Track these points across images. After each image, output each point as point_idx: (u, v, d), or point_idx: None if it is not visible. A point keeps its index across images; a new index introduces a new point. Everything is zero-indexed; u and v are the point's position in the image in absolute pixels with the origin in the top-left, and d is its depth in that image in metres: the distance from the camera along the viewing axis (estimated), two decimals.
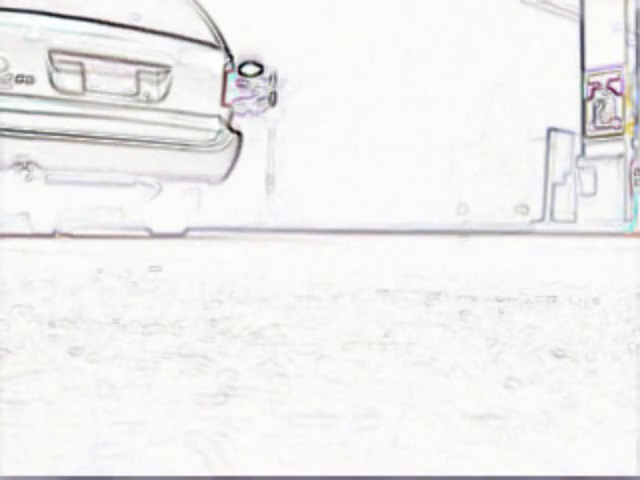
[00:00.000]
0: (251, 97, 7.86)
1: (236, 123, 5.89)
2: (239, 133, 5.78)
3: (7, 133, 4.59)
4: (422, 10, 7.70)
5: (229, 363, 0.94)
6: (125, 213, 5.58)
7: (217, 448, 0.59)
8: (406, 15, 7.78)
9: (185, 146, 5.37)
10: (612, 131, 10.23)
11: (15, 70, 4.64)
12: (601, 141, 10.31)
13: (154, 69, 5.25)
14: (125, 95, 5.11)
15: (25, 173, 4.69)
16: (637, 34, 10.44)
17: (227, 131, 5.66)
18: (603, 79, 10.32)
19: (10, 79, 4.62)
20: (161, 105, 5.28)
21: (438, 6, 7.92)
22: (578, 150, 10.63)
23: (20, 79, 4.65)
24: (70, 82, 4.88)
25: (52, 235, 5.14)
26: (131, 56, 5.11)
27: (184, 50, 5.39)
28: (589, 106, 10.49)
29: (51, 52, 4.79)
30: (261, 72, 7.79)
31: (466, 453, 0.59)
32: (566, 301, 1.65)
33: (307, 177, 8.09)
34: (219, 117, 5.61)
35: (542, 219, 10.52)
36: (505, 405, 0.75)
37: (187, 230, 5.97)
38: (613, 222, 9.90)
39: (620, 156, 10.15)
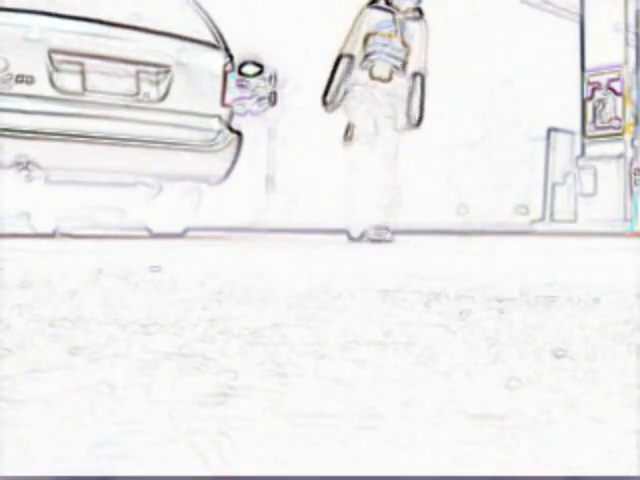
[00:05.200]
0: (251, 97, 7.86)
1: (236, 123, 5.89)
2: (239, 133, 5.78)
3: (7, 133, 4.59)
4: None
5: (229, 363, 0.94)
6: (125, 213, 5.58)
7: (217, 448, 0.59)
8: None
9: (185, 146, 5.37)
10: (612, 131, 10.24)
11: (15, 70, 4.63)
12: (601, 141, 10.31)
13: (154, 69, 5.26)
14: (125, 95, 5.11)
15: (25, 173, 4.69)
16: (637, 34, 10.44)
17: (227, 131, 5.66)
18: (603, 79, 10.32)
19: (10, 79, 4.62)
20: (161, 105, 5.28)
21: (437, 6, 7.92)
22: (578, 150, 10.63)
23: (20, 79, 4.65)
24: (70, 82, 4.88)
25: (52, 235, 5.13)
26: (131, 56, 5.11)
27: (184, 50, 5.39)
28: (589, 106, 10.49)
29: (51, 52, 4.79)
30: (261, 72, 7.79)
31: (466, 453, 0.59)
32: (566, 301, 1.65)
33: (307, 177, 8.09)
34: (219, 117, 5.61)
35: (542, 219, 10.52)
36: (505, 405, 0.75)
37: (187, 230, 5.97)
38: (613, 222, 9.90)
39: (620, 156, 10.15)
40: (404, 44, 5.64)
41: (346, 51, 5.78)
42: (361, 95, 5.67)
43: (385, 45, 5.63)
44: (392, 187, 5.72)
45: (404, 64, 5.63)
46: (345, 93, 5.74)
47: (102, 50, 4.97)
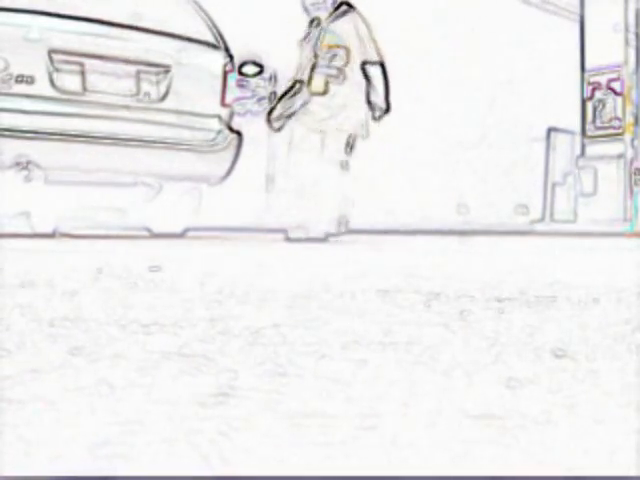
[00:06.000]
0: (251, 97, 7.85)
1: (236, 123, 5.89)
2: (239, 133, 5.78)
3: (7, 133, 4.59)
4: (421, 10, 7.69)
5: (229, 363, 0.94)
6: (125, 213, 5.58)
7: (217, 448, 0.59)
8: (405, 15, 7.78)
9: (185, 146, 5.37)
10: (612, 131, 10.23)
11: (15, 70, 4.63)
12: (601, 141, 10.31)
13: (154, 69, 5.26)
14: (125, 95, 5.11)
15: (25, 173, 4.69)
16: (637, 34, 10.44)
17: (227, 131, 5.66)
18: (603, 79, 10.32)
19: (10, 79, 4.62)
20: (161, 105, 5.28)
21: (437, 6, 7.91)
22: (578, 150, 10.63)
23: (20, 79, 4.65)
24: (70, 82, 4.88)
25: (52, 235, 5.13)
26: (131, 56, 5.11)
27: (184, 50, 5.39)
28: (589, 106, 10.49)
29: (51, 52, 4.79)
30: (261, 72, 7.78)
31: (466, 453, 0.59)
32: (566, 301, 1.65)
33: (307, 177, 8.08)
34: (219, 117, 5.61)
35: (542, 219, 10.51)
36: (505, 405, 0.75)
37: (187, 230, 5.97)
38: (613, 222, 9.90)
39: (620, 156, 10.15)
40: (337, 47, 5.62)
41: (297, 77, 5.91)
42: (301, 114, 5.74)
43: (315, 60, 5.67)
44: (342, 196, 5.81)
45: (340, 69, 5.61)
46: (290, 115, 5.82)
47: (102, 50, 4.97)
